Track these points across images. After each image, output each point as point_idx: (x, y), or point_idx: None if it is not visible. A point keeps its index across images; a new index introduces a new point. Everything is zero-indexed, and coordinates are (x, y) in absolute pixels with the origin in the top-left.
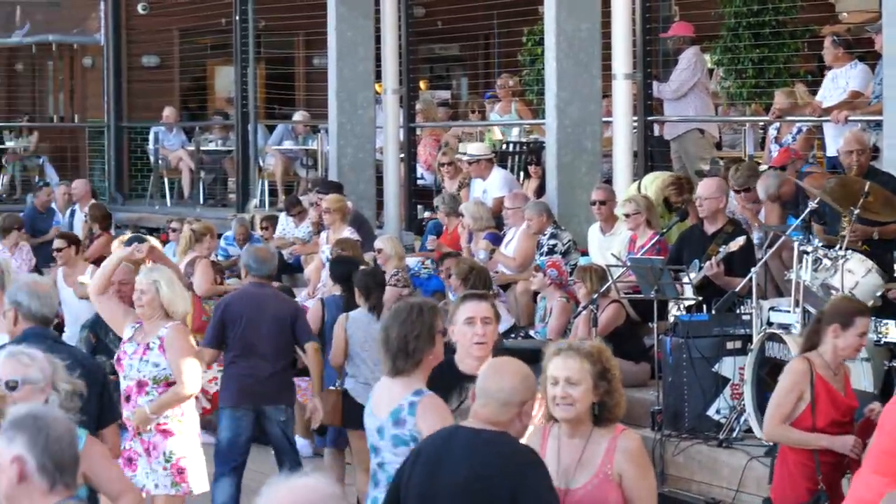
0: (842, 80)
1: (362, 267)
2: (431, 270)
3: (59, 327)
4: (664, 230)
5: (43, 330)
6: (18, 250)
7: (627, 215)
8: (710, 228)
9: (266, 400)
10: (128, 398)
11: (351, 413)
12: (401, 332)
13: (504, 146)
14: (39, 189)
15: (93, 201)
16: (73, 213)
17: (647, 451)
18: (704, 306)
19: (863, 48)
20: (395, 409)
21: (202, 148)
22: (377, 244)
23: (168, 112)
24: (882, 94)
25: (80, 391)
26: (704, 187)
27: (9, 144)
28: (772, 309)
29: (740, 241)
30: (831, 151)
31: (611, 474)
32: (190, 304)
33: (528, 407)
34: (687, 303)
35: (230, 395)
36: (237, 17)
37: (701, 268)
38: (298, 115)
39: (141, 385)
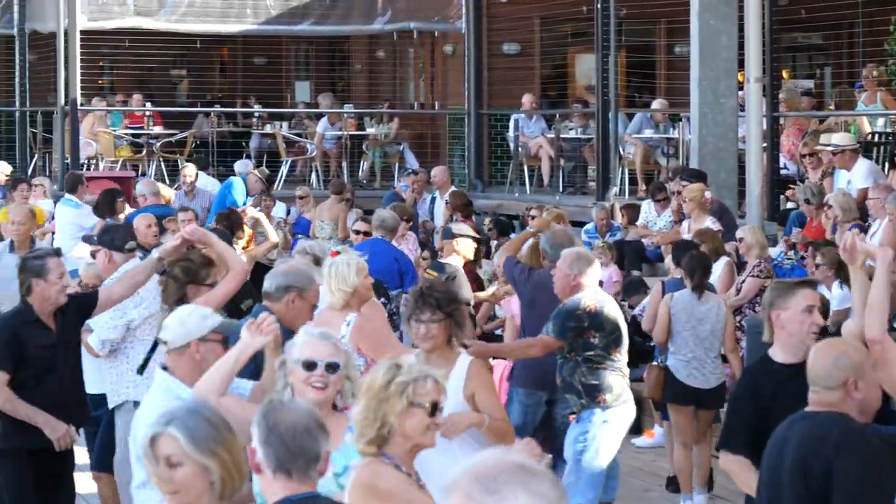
0: None
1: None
2: (795, 261)
3: None
4: None
5: None
6: (405, 240)
7: None
8: None
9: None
10: None
11: (671, 388)
12: None
13: (869, 137)
14: (407, 176)
15: (453, 188)
16: (433, 200)
17: None
18: None
19: None
20: None
21: (562, 136)
22: (739, 233)
23: (527, 99)
24: None
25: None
26: None
27: (370, 131)
28: None
29: None
30: None
31: None
32: None
33: (854, 383)
34: None
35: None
36: (598, 5)
37: None
38: (657, 104)
39: None
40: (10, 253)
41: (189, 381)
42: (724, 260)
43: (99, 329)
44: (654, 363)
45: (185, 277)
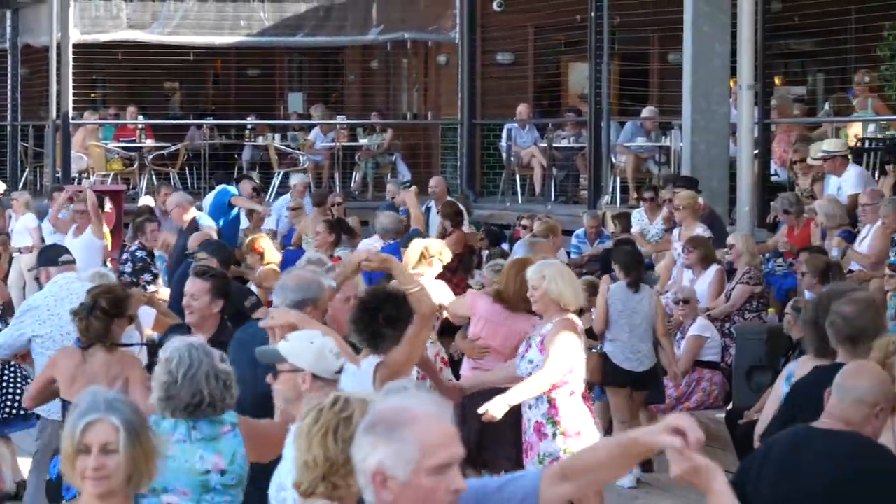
0: None
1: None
2: (786, 268)
3: None
4: None
5: None
6: None
7: None
8: None
9: None
10: None
11: (609, 372)
12: None
13: (860, 143)
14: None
15: (447, 198)
16: (428, 210)
17: None
18: None
19: None
20: None
21: (554, 145)
22: (730, 240)
23: (521, 109)
24: None
25: None
26: None
27: (362, 142)
28: None
29: None
30: None
31: None
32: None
33: (879, 411)
34: None
35: None
36: (592, 14)
37: None
38: (647, 112)
39: None
40: None
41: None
42: (714, 267)
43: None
44: (594, 350)
45: (112, 311)
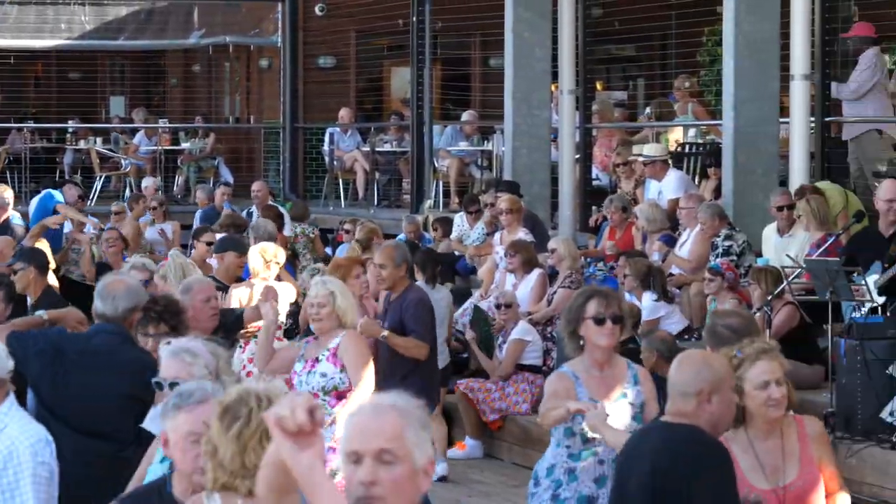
0: None
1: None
2: (606, 272)
3: None
4: (840, 232)
5: None
6: None
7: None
8: (888, 230)
9: None
10: None
11: None
12: None
13: (680, 148)
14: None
15: (269, 202)
16: (250, 216)
17: None
18: (879, 308)
19: None
20: None
21: (377, 149)
22: (551, 245)
23: (343, 113)
24: None
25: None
26: (893, 190)
27: (184, 146)
28: None
29: None
30: None
31: (815, 459)
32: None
33: (708, 396)
34: (869, 305)
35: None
36: (414, 19)
37: (884, 269)
38: (466, 116)
39: None
40: None
41: None
42: (536, 271)
43: None
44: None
45: None
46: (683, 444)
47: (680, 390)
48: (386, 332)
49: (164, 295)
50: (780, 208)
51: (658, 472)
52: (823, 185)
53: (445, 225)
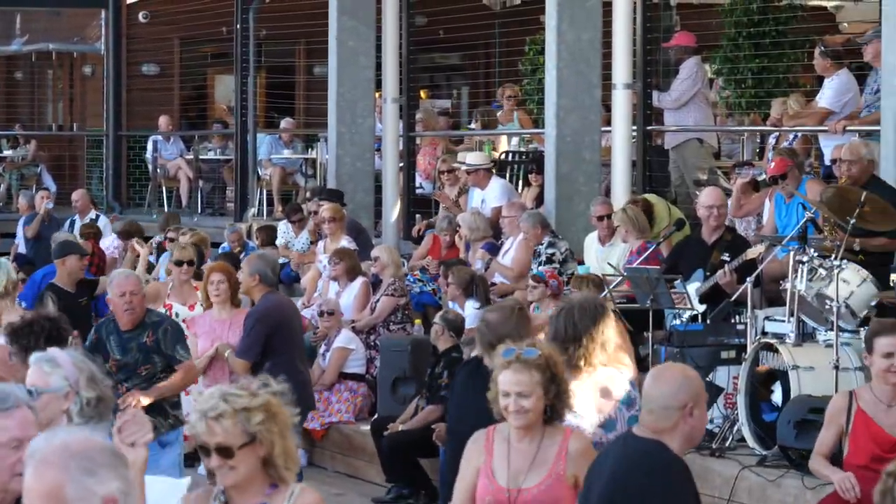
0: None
1: None
2: (424, 283)
3: None
4: (661, 240)
5: None
6: None
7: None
8: (710, 237)
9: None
10: None
11: None
12: None
13: (503, 156)
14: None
15: (94, 212)
16: (72, 224)
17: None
18: (699, 316)
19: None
20: None
21: (201, 157)
22: (374, 253)
23: (163, 121)
24: (874, 104)
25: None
26: (716, 196)
27: (6, 153)
28: (767, 318)
29: (759, 247)
30: (828, 161)
31: (563, 475)
32: None
33: (691, 409)
34: (689, 313)
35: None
36: (238, 26)
37: (706, 277)
38: (285, 123)
39: None
40: None
41: None
42: (359, 279)
43: None
44: None
45: None
46: (646, 458)
47: (662, 404)
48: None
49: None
50: (600, 218)
51: (617, 483)
52: (651, 197)
53: (269, 232)
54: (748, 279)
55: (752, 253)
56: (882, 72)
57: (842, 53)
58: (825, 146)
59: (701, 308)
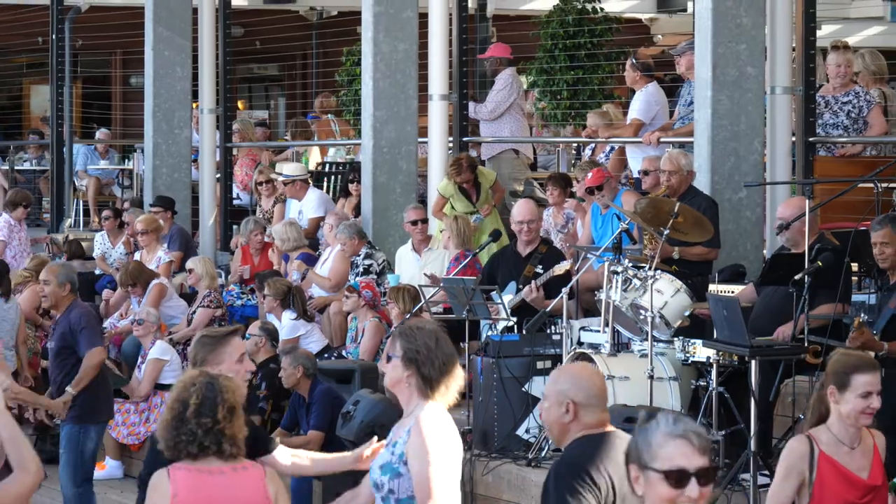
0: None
1: None
2: (239, 293)
3: None
4: (477, 250)
5: None
6: None
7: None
8: (524, 249)
9: None
10: None
11: None
12: None
13: (321, 167)
14: None
15: None
16: None
17: None
18: (516, 326)
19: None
20: None
21: (16, 168)
22: (189, 264)
23: None
24: (688, 115)
25: None
26: (527, 211)
27: None
28: (582, 329)
29: (565, 265)
30: (635, 173)
31: None
32: None
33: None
34: (503, 324)
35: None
36: (54, 36)
37: (519, 290)
38: (101, 134)
39: None
40: None
41: None
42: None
43: None
44: None
45: None
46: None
47: (603, 406)
48: None
49: None
50: (413, 223)
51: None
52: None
53: (76, 246)
54: (563, 290)
55: (559, 269)
56: (695, 84)
57: (652, 66)
58: (632, 157)
59: (512, 320)
